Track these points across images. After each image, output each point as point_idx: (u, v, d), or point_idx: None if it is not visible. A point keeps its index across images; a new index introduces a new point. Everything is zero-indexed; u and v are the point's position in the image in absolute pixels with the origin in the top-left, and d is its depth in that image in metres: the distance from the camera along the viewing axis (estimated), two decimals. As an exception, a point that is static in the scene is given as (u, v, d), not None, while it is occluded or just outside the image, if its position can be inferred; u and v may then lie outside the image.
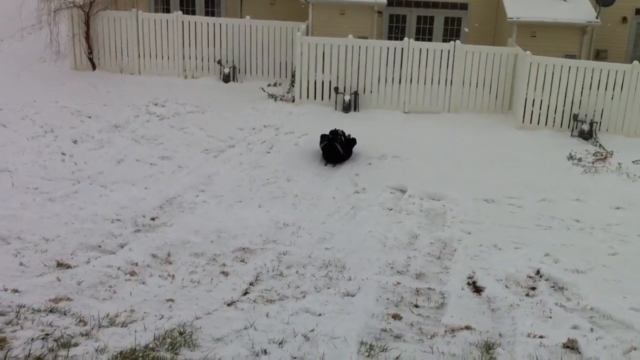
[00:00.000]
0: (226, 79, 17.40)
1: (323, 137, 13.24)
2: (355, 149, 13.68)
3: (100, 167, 11.92)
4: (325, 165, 13.11)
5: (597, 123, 15.33)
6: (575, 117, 15.40)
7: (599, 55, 18.69)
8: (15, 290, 5.75)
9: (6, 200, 9.86)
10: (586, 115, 15.38)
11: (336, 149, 13.00)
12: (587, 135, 15.14)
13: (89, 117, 14.17)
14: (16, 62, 17.36)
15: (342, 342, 4.77)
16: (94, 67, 17.51)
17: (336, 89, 16.16)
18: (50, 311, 5.18)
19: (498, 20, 19.08)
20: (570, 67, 15.46)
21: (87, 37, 17.19)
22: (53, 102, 14.65)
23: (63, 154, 12.24)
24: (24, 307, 5.14)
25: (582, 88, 15.46)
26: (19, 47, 18.46)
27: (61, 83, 16.35)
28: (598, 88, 15.43)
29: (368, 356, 4.62)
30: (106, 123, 13.99)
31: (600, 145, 14.75)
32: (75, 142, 12.85)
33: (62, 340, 4.42)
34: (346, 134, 13.59)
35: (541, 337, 5.57)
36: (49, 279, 6.44)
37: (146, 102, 15.48)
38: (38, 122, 13.44)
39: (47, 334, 4.51)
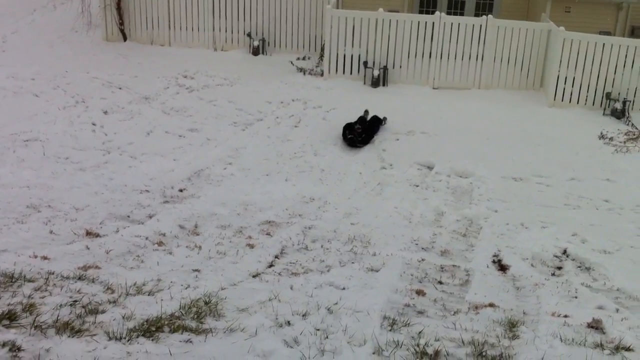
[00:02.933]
0: (255, 51, 17.39)
1: (345, 129, 12.97)
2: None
3: (130, 138, 12.03)
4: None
5: (630, 102, 15.08)
6: (607, 96, 15.16)
7: (635, 32, 18.28)
8: (45, 258, 5.85)
9: (37, 170, 10.01)
10: (619, 93, 15.13)
11: (356, 146, 12.80)
12: (619, 114, 14.91)
13: (120, 88, 14.28)
14: (49, 32, 17.53)
15: (365, 316, 4.79)
16: (125, 38, 17.61)
17: (365, 63, 16.06)
18: (79, 278, 5.28)
19: (532, -4, 18.76)
20: (604, 44, 15.18)
21: (119, 8, 17.27)
22: (84, 73, 14.78)
23: (94, 124, 12.37)
24: (53, 274, 5.24)
25: (616, 66, 15.19)
26: (52, 17, 18.63)
27: (93, 54, 16.48)
28: (632, 66, 15.15)
29: (391, 330, 4.64)
30: (136, 94, 14.09)
31: (632, 124, 14.51)
32: (105, 112, 12.97)
33: (89, 307, 4.50)
34: (368, 119, 13.42)
35: (565, 316, 5.54)
36: (78, 247, 6.55)
37: (176, 74, 15.54)
38: (69, 92, 13.58)
39: (75, 301, 4.60)
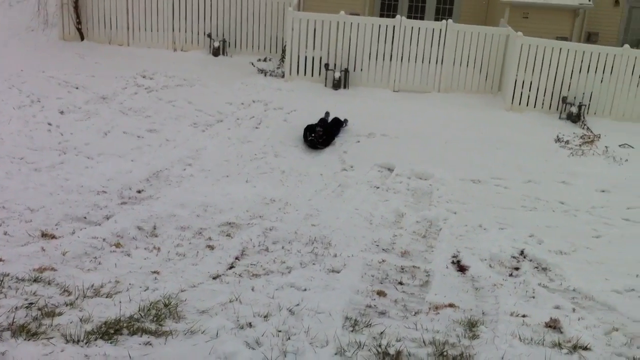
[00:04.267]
0: (216, 52, 17.28)
1: (306, 131, 12.98)
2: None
3: (87, 139, 11.84)
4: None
5: (585, 106, 15.37)
6: (564, 100, 15.44)
7: (590, 38, 18.70)
8: (-1, 259, 5.72)
9: (-9, 170, 9.78)
10: (575, 97, 15.42)
11: (316, 148, 12.80)
12: (575, 118, 15.19)
13: (76, 88, 14.04)
14: (4, 30, 17.15)
15: (327, 317, 4.78)
16: (82, 37, 17.33)
17: (326, 65, 16.08)
18: (35, 280, 5.16)
19: (491, 1, 19.02)
20: (560, 49, 15.46)
21: (76, 7, 17.00)
22: (40, 72, 14.50)
23: (49, 124, 12.14)
24: (7, 275, 5.11)
25: (572, 70, 15.49)
26: (7, 15, 18.23)
27: (49, 53, 16.17)
28: (588, 71, 15.47)
29: (352, 331, 4.64)
30: (93, 94, 13.87)
31: (587, 128, 14.80)
32: (62, 112, 12.74)
33: (46, 309, 4.40)
34: (329, 121, 13.45)
35: (524, 316, 5.61)
36: (34, 248, 6.40)
37: (134, 74, 15.35)
38: (25, 91, 13.31)
39: (31, 303, 4.49)
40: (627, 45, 15.55)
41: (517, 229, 9.49)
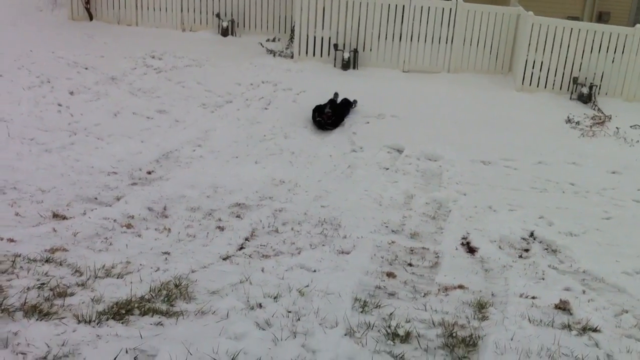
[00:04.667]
0: (224, 32, 17.21)
1: (315, 112, 12.93)
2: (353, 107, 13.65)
3: (97, 119, 11.86)
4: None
5: (596, 86, 15.26)
6: (575, 80, 15.33)
7: (602, 17, 18.53)
8: (11, 240, 5.75)
9: (2, 151, 9.82)
10: (586, 78, 15.30)
11: (325, 129, 12.76)
12: (586, 99, 15.09)
13: (86, 69, 14.03)
14: (13, 10, 17.12)
15: (337, 298, 4.80)
16: (90, 17, 17.28)
17: (335, 45, 16.00)
18: (46, 261, 5.20)
19: (501, -20, 18.83)
20: (572, 28, 15.32)
21: (84, -13, 16.95)
22: (50, 52, 14.48)
23: (59, 105, 12.15)
24: (19, 256, 5.15)
25: (583, 51, 15.36)
26: (15, -5, 18.19)
27: (58, 33, 16.14)
28: (599, 51, 15.33)
29: (362, 312, 4.66)
30: (103, 75, 13.86)
31: (598, 109, 14.70)
32: (71, 93, 12.75)
33: (58, 290, 4.44)
34: (338, 101, 13.42)
35: (533, 297, 5.62)
36: (45, 229, 6.45)
37: (143, 54, 15.31)
38: (34, 72, 13.30)
39: (42, 284, 4.53)
40: (638, 25, 15.38)
41: (527, 211, 9.46)
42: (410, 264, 6.70)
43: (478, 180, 10.83)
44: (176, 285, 4.87)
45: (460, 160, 11.58)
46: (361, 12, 15.95)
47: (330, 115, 12.61)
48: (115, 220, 7.26)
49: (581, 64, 15.37)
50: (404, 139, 12.32)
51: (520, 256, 7.72)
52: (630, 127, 13.77)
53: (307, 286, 5.09)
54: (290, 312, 4.44)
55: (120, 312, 4.11)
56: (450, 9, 15.97)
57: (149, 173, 9.98)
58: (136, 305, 4.28)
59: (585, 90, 15.13)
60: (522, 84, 15.52)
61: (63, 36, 15.92)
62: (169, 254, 6.14)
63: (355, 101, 13.72)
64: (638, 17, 19.06)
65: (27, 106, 11.76)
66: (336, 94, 13.75)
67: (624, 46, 15.25)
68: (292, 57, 16.22)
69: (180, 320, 4.12)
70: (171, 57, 15.40)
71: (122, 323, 3.96)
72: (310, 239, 7.41)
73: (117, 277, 5.01)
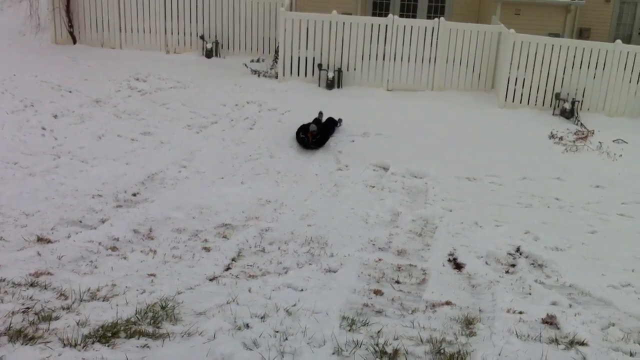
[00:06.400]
0: (209, 54, 17.27)
1: (299, 131, 12.90)
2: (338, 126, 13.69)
3: (81, 142, 11.80)
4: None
5: (579, 102, 15.42)
6: (557, 96, 15.48)
7: (582, 34, 18.78)
8: (-5, 265, 5.71)
9: (-15, 175, 9.75)
10: (568, 94, 15.46)
11: (310, 148, 12.78)
12: (568, 114, 15.24)
13: (70, 92, 14.00)
14: (-5, 34, 17.10)
15: (324, 317, 4.79)
16: (74, 40, 17.30)
17: (320, 65, 16.09)
18: (31, 285, 5.15)
19: (482, -2, 19.07)
20: (553, 45, 15.50)
21: (68, 11, 16.98)
22: (33, 76, 14.45)
23: (43, 128, 12.09)
24: (3, 280, 5.11)
25: (565, 67, 15.54)
26: (-2, 19, 18.19)
27: (41, 57, 16.12)
28: (580, 67, 15.52)
29: (350, 330, 4.65)
30: (87, 98, 13.83)
31: (581, 124, 14.84)
32: (55, 116, 12.70)
33: (43, 314, 4.40)
34: (323, 121, 13.46)
35: (520, 312, 5.63)
36: (29, 253, 6.39)
37: (127, 76, 15.32)
38: (18, 96, 13.25)
39: (27, 308, 4.49)
40: (619, 41, 15.60)
41: (512, 226, 9.50)
42: (397, 282, 6.69)
43: (464, 196, 10.87)
44: (162, 307, 4.84)
45: (445, 177, 11.63)
46: (344, 32, 16.07)
47: (315, 134, 12.64)
48: (100, 243, 7.21)
49: (563, 79, 15.54)
50: (389, 157, 12.36)
51: (507, 271, 7.74)
52: (613, 141, 13.90)
53: (295, 305, 5.07)
54: (277, 331, 4.42)
55: (106, 335, 4.08)
56: (433, 27, 16.12)
57: (134, 195, 9.93)
58: (122, 328, 4.25)
59: (567, 105, 15.28)
60: (505, 100, 15.65)
61: (47, 60, 15.90)
62: (155, 275, 6.10)
63: (340, 120, 13.77)
64: (618, 33, 19.33)
65: (10, 130, 11.69)
66: (321, 113, 13.80)
67: (605, 62, 15.44)
68: (276, 77, 16.29)
69: (167, 342, 4.09)
70: (155, 79, 15.41)
71: (108, 346, 3.92)
72: (297, 258, 7.39)
73: (103, 300, 4.97)
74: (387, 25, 16.11)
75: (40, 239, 7.12)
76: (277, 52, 16.66)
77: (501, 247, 8.58)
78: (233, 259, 7.22)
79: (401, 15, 18.09)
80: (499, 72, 15.98)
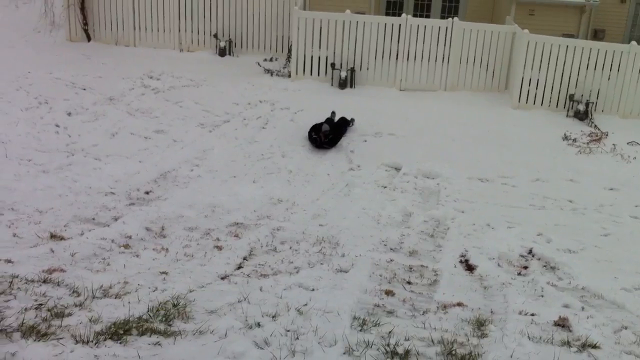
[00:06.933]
0: (222, 52, 17.30)
1: (311, 131, 12.92)
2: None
3: (95, 140, 11.87)
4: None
5: (592, 103, 15.33)
6: (571, 97, 15.39)
7: (597, 35, 18.65)
8: (9, 261, 5.74)
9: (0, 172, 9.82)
10: (582, 95, 15.37)
11: (322, 147, 12.79)
12: (582, 116, 15.15)
13: (84, 89, 14.07)
14: (10, 32, 17.21)
15: (335, 317, 4.79)
16: (89, 38, 17.37)
17: (332, 65, 16.08)
18: (44, 282, 5.18)
19: (496, -1, 18.99)
20: (567, 46, 15.40)
21: (82, 8, 17.03)
22: (47, 74, 14.53)
23: (57, 125, 12.17)
24: (17, 277, 5.14)
25: (579, 68, 15.43)
26: (14, 16, 18.30)
27: (56, 54, 16.20)
28: (595, 68, 15.42)
29: (361, 330, 4.65)
30: (101, 95, 13.89)
31: (595, 125, 14.76)
32: (69, 114, 12.77)
33: (55, 310, 4.42)
34: (335, 120, 13.45)
35: (532, 314, 5.61)
36: (43, 250, 6.44)
37: (141, 74, 15.37)
38: (32, 93, 13.34)
39: (40, 304, 4.52)
40: (634, 42, 15.49)
41: (525, 228, 9.47)
42: (409, 282, 6.69)
43: (476, 197, 10.84)
44: (174, 305, 4.86)
45: (458, 178, 11.60)
46: (358, 31, 16.05)
47: (328, 133, 12.64)
48: (113, 241, 7.25)
49: (577, 81, 15.45)
50: (401, 157, 12.34)
51: (519, 273, 7.71)
52: (627, 143, 13.82)
53: (306, 305, 5.07)
54: (288, 331, 4.43)
55: (118, 332, 4.10)
56: (447, 27, 16.07)
57: (147, 193, 9.97)
58: (134, 325, 4.26)
59: (581, 107, 15.19)
60: (519, 101, 15.58)
61: (61, 57, 15.98)
62: (167, 273, 6.13)
63: (352, 120, 13.76)
64: (633, 34, 19.18)
65: (24, 127, 11.77)
66: (333, 113, 13.79)
67: (620, 63, 15.33)
68: (289, 76, 16.29)
69: (179, 340, 4.11)
70: (169, 77, 15.46)
71: (120, 343, 3.94)
72: (308, 257, 7.40)
73: (115, 298, 5.00)
74: (400, 25, 16.07)
75: (53, 236, 7.16)
76: (290, 51, 16.66)
77: (513, 248, 8.56)
78: (244, 258, 7.23)
79: (415, 15, 18.04)
80: (513, 72, 15.91)
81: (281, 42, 17.61)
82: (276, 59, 17.28)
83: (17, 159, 10.51)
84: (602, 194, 11.48)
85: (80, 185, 9.81)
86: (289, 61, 16.65)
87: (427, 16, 18.73)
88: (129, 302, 4.80)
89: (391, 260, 7.58)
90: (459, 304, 5.81)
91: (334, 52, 16.13)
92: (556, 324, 5.34)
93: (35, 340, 3.81)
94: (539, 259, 8.30)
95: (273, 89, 15.50)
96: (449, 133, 13.69)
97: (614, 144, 13.70)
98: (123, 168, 10.85)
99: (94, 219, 8.29)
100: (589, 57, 15.36)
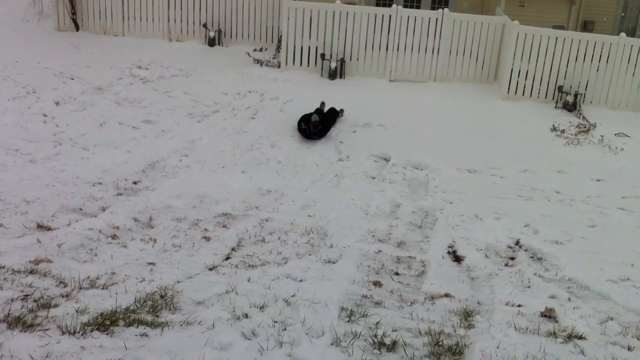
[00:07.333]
0: (211, 42, 17.21)
1: (301, 121, 12.91)
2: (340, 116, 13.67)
3: (82, 130, 11.80)
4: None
5: (581, 95, 15.37)
6: (560, 89, 15.43)
7: (587, 26, 18.68)
8: (-5, 251, 5.72)
9: (-14, 161, 9.76)
10: (571, 87, 15.41)
11: (312, 138, 12.78)
12: (571, 107, 15.19)
13: (72, 79, 13.98)
14: (-3, 21, 17.06)
15: (323, 307, 4.80)
16: (77, 28, 17.24)
17: (322, 55, 16.04)
18: (30, 272, 5.16)
19: (486, -10, 18.98)
20: (557, 37, 15.42)
21: (71, -3, 16.91)
22: (35, 63, 14.43)
23: (45, 115, 12.09)
24: (3, 267, 5.12)
25: (568, 59, 15.46)
26: (2, 6, 18.12)
27: (44, 44, 16.08)
28: (584, 60, 15.45)
29: (348, 321, 4.66)
30: (89, 85, 13.81)
31: (583, 117, 14.81)
32: (57, 103, 12.69)
33: (42, 301, 4.41)
34: (325, 111, 13.44)
35: (519, 305, 5.64)
36: (29, 240, 6.40)
37: (130, 64, 15.28)
38: (20, 82, 13.24)
39: (26, 295, 4.50)
40: (623, 34, 15.53)
41: (512, 219, 9.50)
42: (396, 273, 6.70)
43: (464, 188, 10.87)
44: (162, 296, 4.85)
45: (446, 169, 11.63)
46: (348, 22, 16.01)
47: (317, 124, 12.62)
48: (100, 231, 7.22)
49: (566, 72, 15.48)
50: (390, 148, 12.35)
51: (506, 264, 7.74)
52: (615, 135, 13.87)
53: (294, 296, 5.08)
54: (276, 321, 4.43)
55: (105, 323, 4.09)
56: (437, 18, 16.05)
57: (135, 183, 9.94)
58: (121, 316, 4.26)
59: (570, 98, 15.23)
60: (508, 92, 15.60)
61: (49, 47, 15.87)
62: (154, 264, 6.12)
63: (342, 110, 13.75)
64: (622, 26, 19.24)
65: (12, 117, 11.69)
66: (323, 103, 13.78)
67: (609, 55, 15.37)
68: (279, 66, 16.25)
69: (166, 331, 4.10)
70: (158, 67, 15.38)
71: (106, 334, 3.94)
72: (296, 248, 7.40)
73: (102, 288, 4.98)
74: (390, 16, 16.03)
75: (40, 226, 7.13)
76: (280, 41, 16.61)
77: (501, 240, 8.59)
78: (233, 249, 7.24)
79: (405, 6, 18.01)
80: (502, 63, 15.93)
81: (271, 33, 17.54)
82: (266, 49, 17.22)
83: (4, 148, 10.44)
84: (589, 185, 11.54)
85: (67, 175, 9.76)
86: (279, 51, 16.59)
87: (418, 7, 18.70)
88: (116, 293, 4.79)
89: (379, 251, 7.60)
90: (447, 295, 5.83)
91: (324, 43, 16.09)
92: (543, 314, 5.37)
93: (21, 331, 3.80)
94: (526, 250, 8.34)
95: (262, 79, 15.46)
96: (438, 124, 13.71)
97: (602, 136, 13.76)
98: (111, 158, 10.80)
99: (81, 209, 8.25)
100: (578, 49, 15.39)
